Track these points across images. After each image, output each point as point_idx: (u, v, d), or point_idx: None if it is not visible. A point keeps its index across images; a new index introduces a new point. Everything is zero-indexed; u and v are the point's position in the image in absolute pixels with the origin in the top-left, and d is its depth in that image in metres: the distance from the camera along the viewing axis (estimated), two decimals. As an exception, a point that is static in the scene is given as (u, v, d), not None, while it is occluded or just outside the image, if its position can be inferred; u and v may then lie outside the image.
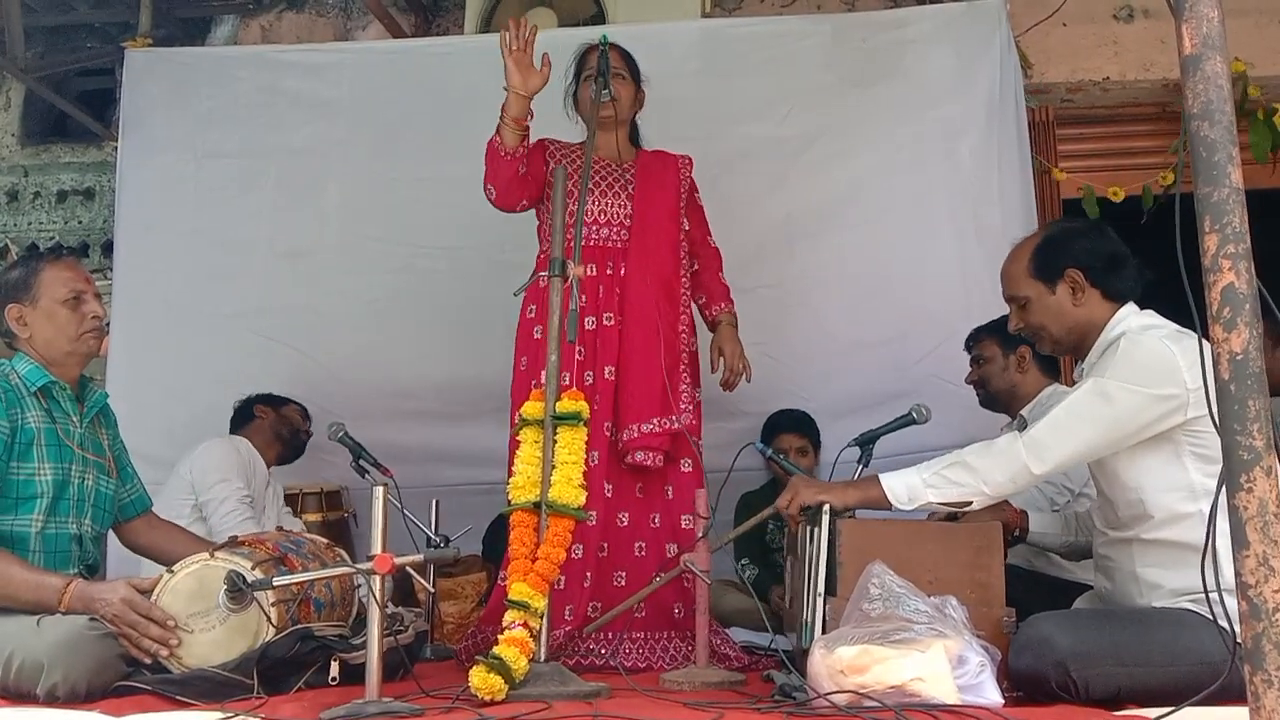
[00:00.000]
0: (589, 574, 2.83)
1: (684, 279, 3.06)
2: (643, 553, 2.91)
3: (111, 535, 2.64)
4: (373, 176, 4.11)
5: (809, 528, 2.25)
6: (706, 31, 4.16)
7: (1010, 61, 3.95)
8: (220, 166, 4.17)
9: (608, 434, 2.87)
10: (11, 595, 2.20)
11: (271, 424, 3.71)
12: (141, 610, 2.13)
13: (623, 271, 2.97)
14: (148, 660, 2.12)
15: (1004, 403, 3.10)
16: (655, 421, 2.85)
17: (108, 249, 4.54)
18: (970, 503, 2.16)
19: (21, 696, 2.07)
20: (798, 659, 2.14)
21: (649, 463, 2.86)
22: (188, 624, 2.15)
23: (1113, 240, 2.26)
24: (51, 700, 2.02)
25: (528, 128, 2.90)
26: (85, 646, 2.07)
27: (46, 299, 2.44)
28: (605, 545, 2.89)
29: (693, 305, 3.14)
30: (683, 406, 2.89)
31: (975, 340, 3.18)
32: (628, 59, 3.13)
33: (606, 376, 2.90)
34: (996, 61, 3.94)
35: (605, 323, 2.94)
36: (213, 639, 2.15)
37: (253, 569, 2.17)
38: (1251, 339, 1.35)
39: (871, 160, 3.99)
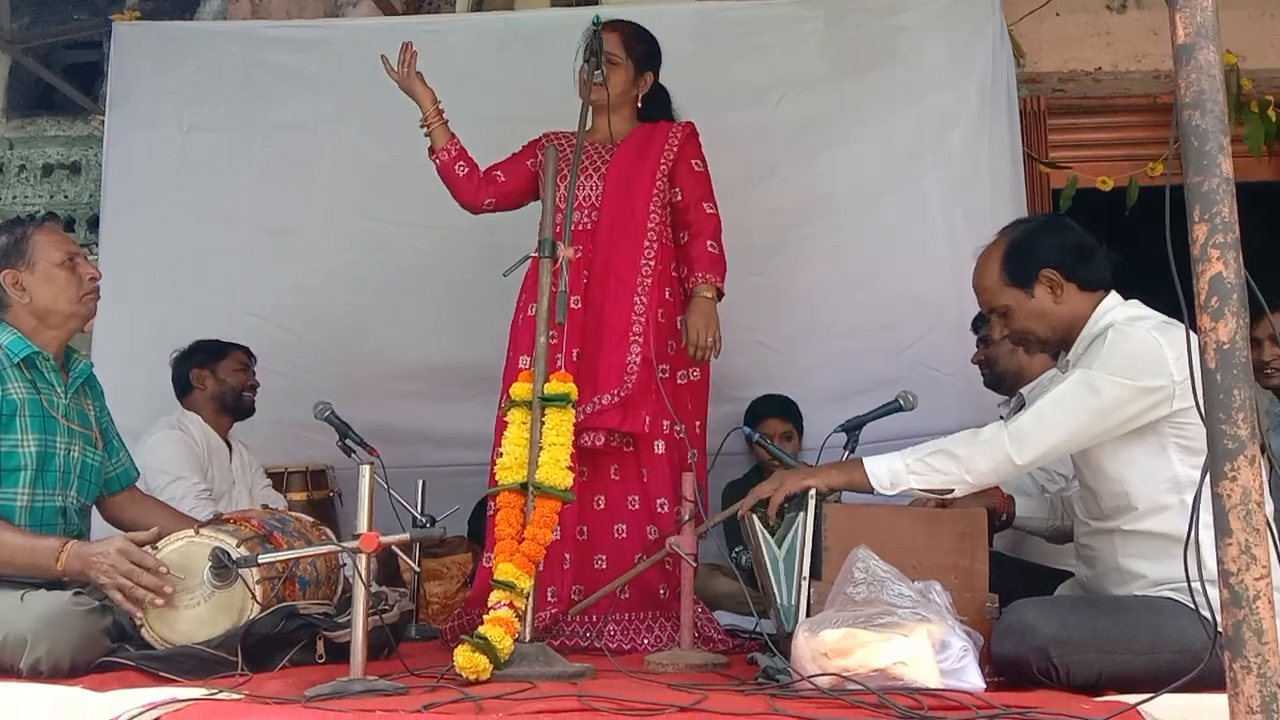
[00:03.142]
0: (568, 555, 2.84)
1: (649, 250, 2.96)
2: (622, 535, 2.91)
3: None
4: (361, 154, 4.09)
5: (787, 512, 2.25)
6: (700, 15, 4.15)
7: (1003, 50, 3.96)
8: (208, 141, 4.14)
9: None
10: (7, 560, 2.19)
11: (212, 393, 3.55)
12: (135, 558, 2.11)
13: (591, 254, 2.96)
14: (140, 613, 2.11)
15: (1009, 384, 3.09)
16: (596, 400, 2.82)
17: (94, 224, 4.50)
18: (952, 490, 2.17)
19: (4, 671, 2.06)
20: (782, 642, 2.15)
21: (588, 444, 2.81)
22: (172, 600, 2.14)
23: (1075, 230, 2.26)
24: (35, 675, 2.02)
25: (445, 120, 3.05)
26: (70, 621, 2.06)
27: (43, 262, 2.42)
28: (584, 528, 2.89)
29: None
30: (625, 377, 2.83)
31: (985, 321, 3.17)
32: (628, 42, 3.09)
33: (574, 359, 2.88)
34: (989, 50, 3.95)
35: (573, 306, 2.91)
36: (197, 616, 2.14)
37: (238, 546, 2.17)
38: (1238, 329, 1.36)
39: (863, 147, 3.99)
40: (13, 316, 2.42)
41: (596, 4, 4.14)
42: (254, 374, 3.66)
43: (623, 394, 2.82)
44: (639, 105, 3.16)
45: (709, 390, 3.11)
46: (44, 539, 2.22)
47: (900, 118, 3.97)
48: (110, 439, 2.63)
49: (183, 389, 3.59)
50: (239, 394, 3.58)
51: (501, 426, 2.68)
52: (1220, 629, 1.35)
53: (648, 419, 2.85)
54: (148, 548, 2.17)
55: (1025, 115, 4.14)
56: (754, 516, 2.26)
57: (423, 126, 3.05)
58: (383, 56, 3.04)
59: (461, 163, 3.07)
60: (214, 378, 3.56)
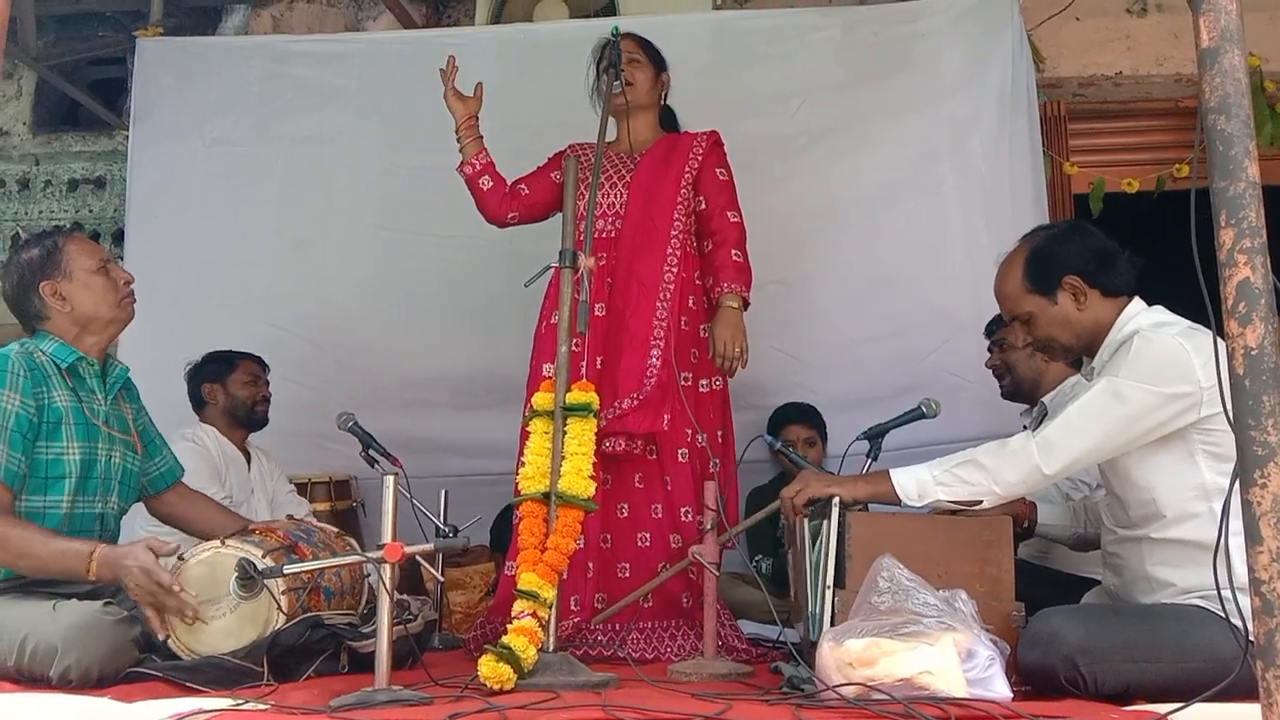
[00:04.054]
0: (591, 564, 2.83)
1: (671, 257, 2.96)
2: (646, 543, 2.90)
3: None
4: (382, 167, 4.12)
5: (809, 520, 2.25)
6: (717, 24, 4.17)
7: (1022, 55, 3.94)
8: (231, 155, 4.18)
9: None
10: (40, 566, 2.20)
11: (223, 407, 3.56)
12: (156, 579, 2.12)
13: (614, 262, 2.97)
14: (165, 634, 2.13)
15: (1027, 392, 3.07)
16: (616, 405, 2.81)
17: (118, 237, 4.56)
18: (980, 501, 2.16)
19: (35, 680, 2.08)
20: (806, 651, 2.14)
21: (609, 450, 2.81)
22: (198, 611, 2.15)
23: (1097, 236, 2.25)
24: (64, 683, 2.04)
25: (480, 135, 3.09)
26: (99, 630, 2.08)
27: (79, 271, 2.45)
28: (607, 536, 2.89)
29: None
30: (644, 380, 2.82)
31: (997, 326, 3.14)
32: (646, 46, 3.13)
33: (598, 367, 2.89)
34: (1008, 55, 3.93)
35: (597, 313, 2.92)
36: (223, 626, 2.16)
37: (263, 557, 2.18)
38: (1267, 334, 1.35)
39: (882, 154, 3.98)
40: (53, 327, 2.44)
41: (614, 15, 4.15)
42: (266, 384, 3.66)
43: (641, 396, 2.81)
44: (660, 109, 3.18)
45: (729, 399, 3.11)
46: (74, 543, 2.22)
47: (919, 124, 3.96)
48: (150, 439, 2.65)
49: (196, 403, 3.62)
50: (250, 407, 3.58)
51: (525, 436, 2.68)
52: (1252, 638, 1.34)
53: (667, 418, 2.83)
54: (165, 561, 2.17)
55: (1045, 120, 4.11)
56: (805, 522, 2.26)
57: (456, 137, 3.09)
58: (440, 71, 3.09)
59: (487, 176, 3.09)
60: (224, 392, 3.58)
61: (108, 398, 2.48)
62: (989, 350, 3.23)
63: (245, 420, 3.59)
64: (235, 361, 3.62)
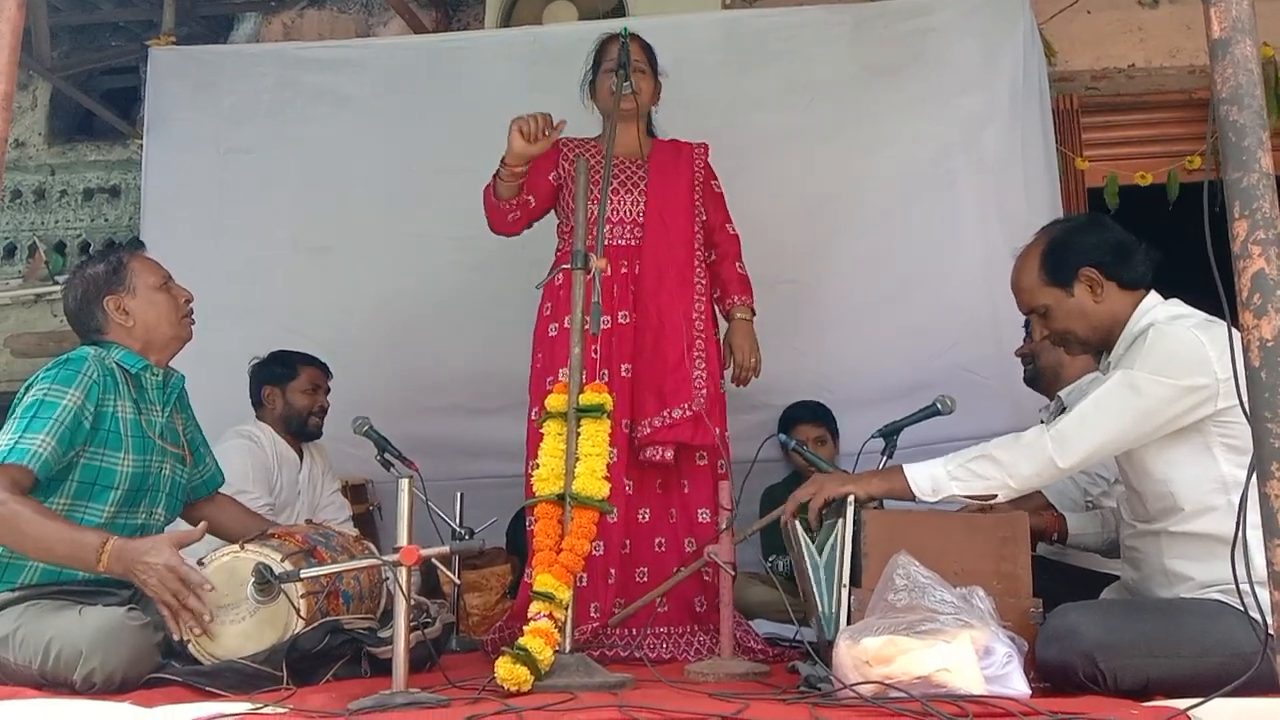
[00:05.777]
0: (613, 570, 2.84)
1: (699, 269, 3.02)
2: (662, 548, 2.93)
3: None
4: (395, 172, 4.14)
5: (825, 518, 2.24)
6: (727, 23, 4.17)
7: (1034, 49, 3.93)
8: (244, 163, 4.21)
9: (626, 431, 2.86)
10: (47, 549, 2.17)
11: (280, 413, 3.53)
12: (184, 575, 2.10)
13: (637, 270, 2.98)
14: (176, 636, 2.13)
15: (1048, 380, 3.05)
16: (666, 414, 2.85)
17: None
18: (995, 495, 2.15)
19: (58, 685, 2.09)
20: (822, 650, 2.13)
21: (657, 458, 2.85)
22: (217, 615, 2.16)
23: (1115, 229, 2.24)
24: (88, 687, 2.05)
25: (523, 184, 2.96)
26: (123, 635, 2.09)
27: (143, 287, 2.47)
28: (628, 542, 2.90)
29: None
30: (694, 390, 2.86)
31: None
32: (647, 51, 3.14)
33: (623, 374, 2.90)
34: (1020, 49, 3.92)
35: (620, 321, 2.94)
36: (242, 630, 2.16)
37: (282, 561, 2.18)
38: (1283, 326, 1.34)
39: (894, 150, 3.98)
40: (119, 338, 2.45)
41: (624, 16, 4.16)
42: (326, 393, 3.62)
43: (694, 408, 2.84)
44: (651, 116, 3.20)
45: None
46: (86, 532, 2.20)
47: (931, 119, 3.95)
48: (197, 447, 2.65)
49: (255, 402, 3.60)
50: (304, 419, 3.55)
51: (534, 438, 2.69)
52: (1271, 631, 1.33)
53: (718, 431, 2.88)
54: (188, 555, 2.18)
55: (1058, 114, 4.10)
56: (796, 522, 2.25)
57: (501, 172, 2.91)
58: (526, 118, 2.82)
59: (516, 214, 3.04)
60: (283, 399, 3.55)
61: (164, 409, 2.49)
62: (1024, 341, 3.21)
63: (298, 432, 3.57)
64: (297, 368, 3.58)
